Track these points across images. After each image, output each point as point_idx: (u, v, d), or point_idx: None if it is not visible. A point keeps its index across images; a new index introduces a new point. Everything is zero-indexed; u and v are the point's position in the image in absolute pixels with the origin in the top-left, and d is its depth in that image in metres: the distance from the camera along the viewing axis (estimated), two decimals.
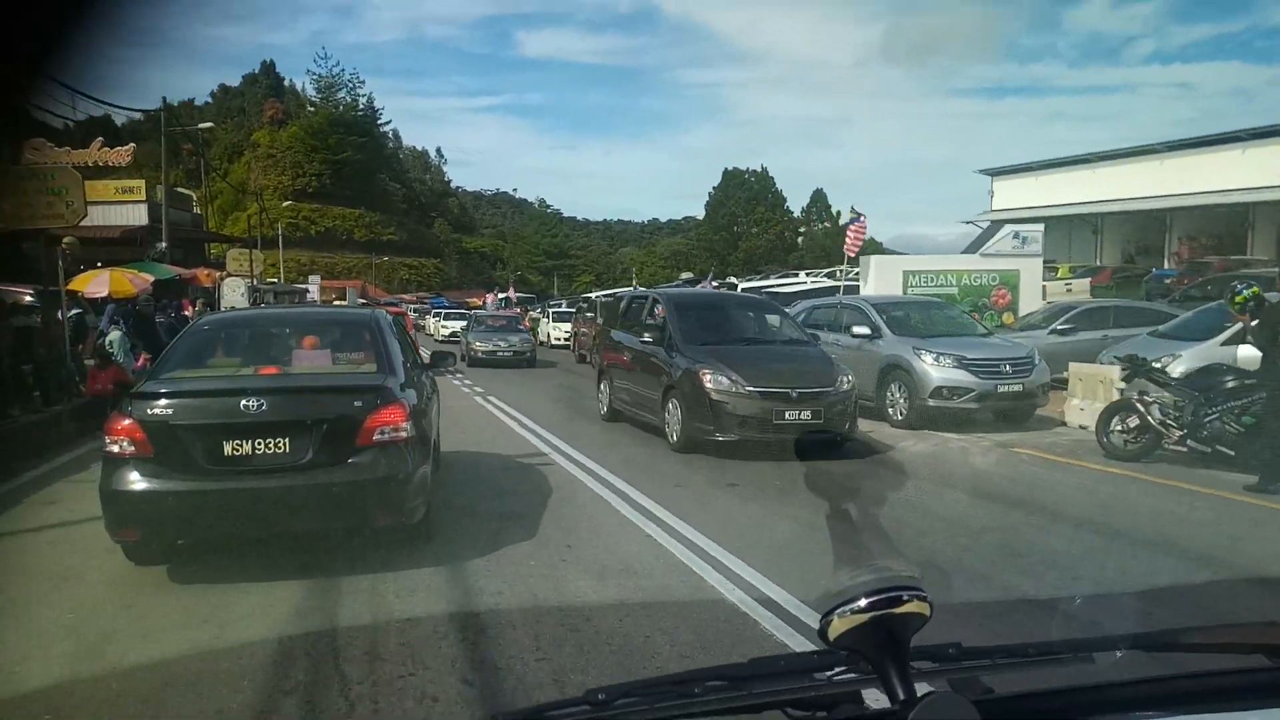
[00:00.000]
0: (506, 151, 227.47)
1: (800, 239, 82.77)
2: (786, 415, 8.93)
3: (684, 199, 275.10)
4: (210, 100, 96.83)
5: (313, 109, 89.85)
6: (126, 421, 4.94)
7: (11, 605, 4.87)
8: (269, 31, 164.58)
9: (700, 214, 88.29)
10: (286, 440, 5.02)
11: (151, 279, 22.79)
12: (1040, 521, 6.82)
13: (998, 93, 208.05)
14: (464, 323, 34.56)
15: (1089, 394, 10.96)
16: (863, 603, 1.05)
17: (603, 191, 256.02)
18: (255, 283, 30.95)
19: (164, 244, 24.63)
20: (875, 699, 1.10)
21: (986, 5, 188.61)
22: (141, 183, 28.50)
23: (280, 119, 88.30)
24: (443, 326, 36.83)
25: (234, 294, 24.70)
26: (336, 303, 46.40)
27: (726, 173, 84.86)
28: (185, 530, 5.29)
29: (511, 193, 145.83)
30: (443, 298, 60.99)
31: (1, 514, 7.05)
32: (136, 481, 4.88)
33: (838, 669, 1.13)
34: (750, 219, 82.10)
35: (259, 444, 5.00)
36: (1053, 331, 14.28)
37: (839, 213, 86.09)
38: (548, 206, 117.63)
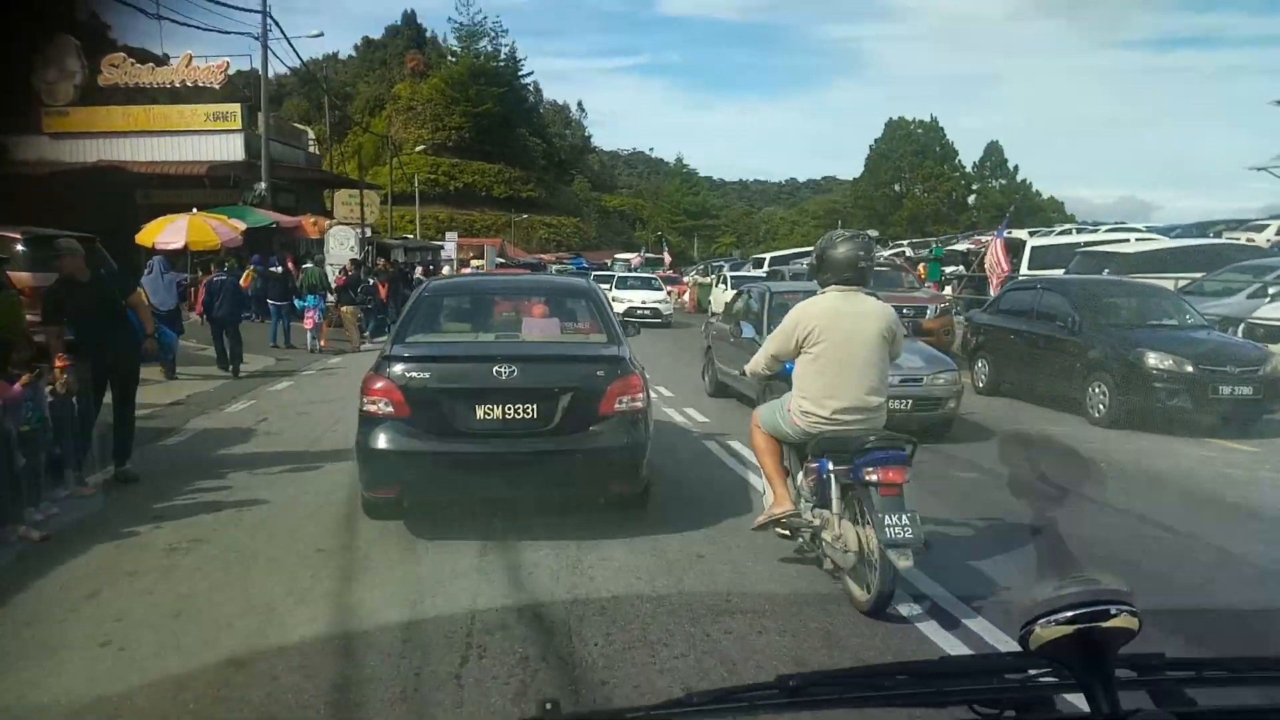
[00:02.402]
0: (641, 111, 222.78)
1: (972, 197, 74.48)
2: None
3: (823, 158, 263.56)
4: (354, 54, 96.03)
5: (453, 59, 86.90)
6: (382, 383, 5.12)
7: None
8: None
9: (841, 173, 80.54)
10: (534, 407, 5.16)
11: (243, 227, 18.53)
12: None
13: (1165, 45, 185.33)
14: (655, 293, 22.74)
15: None
16: (1068, 614, 0.98)
17: (737, 151, 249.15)
18: (367, 232, 26.02)
19: (264, 185, 20.07)
20: (1067, 704, 1.06)
21: None
22: (237, 107, 22.52)
23: (421, 70, 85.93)
24: (615, 299, 20.21)
25: (341, 247, 20.01)
26: (474, 263, 42.35)
27: (890, 123, 76.81)
28: (438, 490, 5.42)
29: (648, 152, 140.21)
30: (581, 258, 56.32)
31: None
32: (395, 441, 5.07)
33: (1030, 672, 1.08)
34: (917, 174, 73.98)
35: (509, 409, 5.14)
36: None
37: (1016, 167, 76.54)
38: (684, 165, 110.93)
